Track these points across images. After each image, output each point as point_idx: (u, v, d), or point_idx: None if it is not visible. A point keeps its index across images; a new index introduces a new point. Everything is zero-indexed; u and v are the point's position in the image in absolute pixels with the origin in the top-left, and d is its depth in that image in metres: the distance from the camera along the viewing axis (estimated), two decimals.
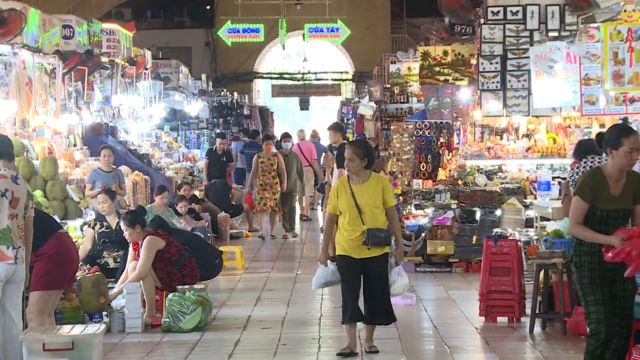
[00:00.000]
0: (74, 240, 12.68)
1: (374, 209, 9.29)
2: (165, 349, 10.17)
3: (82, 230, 12.89)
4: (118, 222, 12.64)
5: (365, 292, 9.47)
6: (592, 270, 7.29)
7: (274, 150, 20.37)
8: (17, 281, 8.37)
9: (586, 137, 14.88)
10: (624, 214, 7.30)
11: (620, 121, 13.44)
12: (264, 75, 45.55)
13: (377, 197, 9.30)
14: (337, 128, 18.17)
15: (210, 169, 21.38)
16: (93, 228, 12.68)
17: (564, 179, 13.85)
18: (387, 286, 9.43)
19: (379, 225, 9.29)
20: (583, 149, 10.93)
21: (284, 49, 39.01)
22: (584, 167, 10.70)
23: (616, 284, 7.32)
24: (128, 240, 11.68)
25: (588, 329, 7.34)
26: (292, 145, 21.07)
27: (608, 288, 7.30)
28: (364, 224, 9.25)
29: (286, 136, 21.02)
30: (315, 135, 27.14)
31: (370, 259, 9.34)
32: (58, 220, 12.73)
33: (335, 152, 16.44)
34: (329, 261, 9.54)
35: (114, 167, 14.94)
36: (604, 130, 11.72)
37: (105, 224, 12.66)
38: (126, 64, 20.18)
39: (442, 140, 18.93)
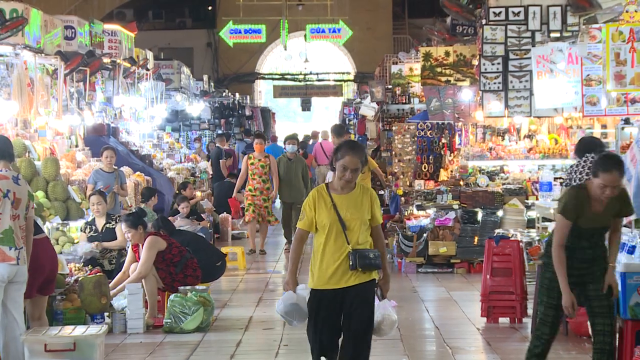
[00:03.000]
0: (75, 241, 12.76)
1: (362, 225, 7.43)
2: (167, 350, 10.17)
3: (83, 231, 12.91)
4: (105, 225, 12.68)
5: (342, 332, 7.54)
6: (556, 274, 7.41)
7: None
8: (20, 282, 8.37)
9: (588, 133, 14.84)
10: (605, 230, 7.46)
11: (622, 122, 13.44)
12: (266, 76, 45.57)
13: (365, 211, 7.44)
14: (338, 132, 18.05)
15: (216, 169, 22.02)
16: (84, 232, 12.72)
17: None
18: (372, 324, 7.47)
19: (365, 245, 7.45)
20: (583, 147, 10.92)
21: (285, 49, 39.01)
22: (582, 167, 10.68)
23: (588, 285, 7.42)
24: (129, 241, 11.68)
25: (536, 328, 7.59)
26: (298, 148, 19.98)
27: (578, 292, 7.43)
28: (348, 243, 7.38)
29: (291, 138, 18.86)
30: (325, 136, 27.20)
31: (353, 287, 7.41)
32: (59, 221, 12.78)
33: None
34: (300, 287, 7.63)
35: (116, 167, 14.95)
36: (594, 138, 11.75)
37: (94, 227, 12.70)
38: (128, 64, 20.19)
39: (443, 141, 18.93)
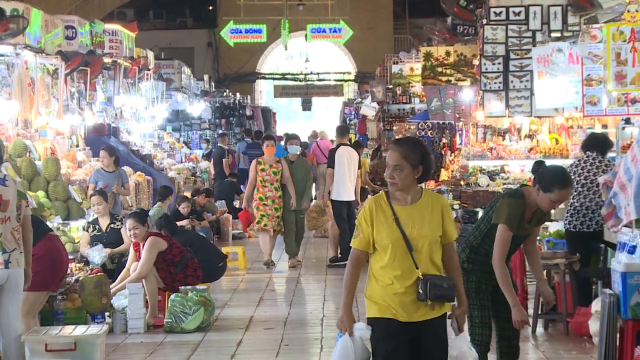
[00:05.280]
0: (76, 240, 12.77)
1: (432, 244, 6.01)
2: (168, 350, 10.17)
3: (86, 230, 12.90)
4: (109, 225, 12.66)
5: None
6: (482, 277, 7.32)
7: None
8: (12, 286, 8.13)
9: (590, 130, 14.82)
10: (524, 239, 7.36)
11: (623, 122, 13.46)
12: (267, 76, 45.60)
13: (436, 226, 6.01)
14: (339, 132, 18.07)
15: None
16: (87, 231, 12.70)
17: None
18: None
19: (437, 270, 6.04)
20: (587, 142, 10.91)
21: (286, 49, 39.04)
22: (581, 167, 10.66)
23: (497, 289, 7.32)
24: (132, 239, 11.67)
25: (471, 333, 7.34)
26: (300, 148, 19.03)
27: (490, 295, 7.33)
28: (417, 268, 5.95)
29: (292, 137, 17.13)
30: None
31: (424, 323, 6.02)
32: (60, 221, 12.80)
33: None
34: (358, 327, 6.09)
35: (117, 167, 14.95)
36: (600, 135, 11.72)
37: (97, 226, 12.68)
38: (128, 63, 20.20)
39: (444, 140, 18.94)
